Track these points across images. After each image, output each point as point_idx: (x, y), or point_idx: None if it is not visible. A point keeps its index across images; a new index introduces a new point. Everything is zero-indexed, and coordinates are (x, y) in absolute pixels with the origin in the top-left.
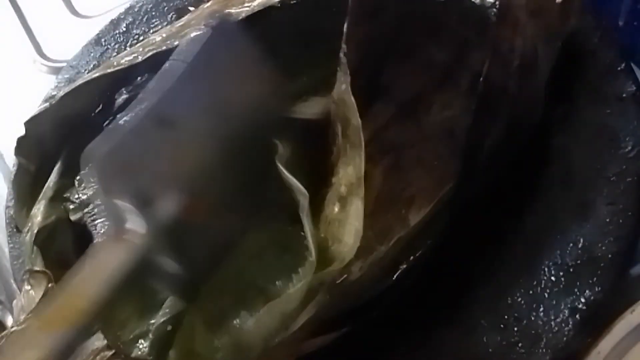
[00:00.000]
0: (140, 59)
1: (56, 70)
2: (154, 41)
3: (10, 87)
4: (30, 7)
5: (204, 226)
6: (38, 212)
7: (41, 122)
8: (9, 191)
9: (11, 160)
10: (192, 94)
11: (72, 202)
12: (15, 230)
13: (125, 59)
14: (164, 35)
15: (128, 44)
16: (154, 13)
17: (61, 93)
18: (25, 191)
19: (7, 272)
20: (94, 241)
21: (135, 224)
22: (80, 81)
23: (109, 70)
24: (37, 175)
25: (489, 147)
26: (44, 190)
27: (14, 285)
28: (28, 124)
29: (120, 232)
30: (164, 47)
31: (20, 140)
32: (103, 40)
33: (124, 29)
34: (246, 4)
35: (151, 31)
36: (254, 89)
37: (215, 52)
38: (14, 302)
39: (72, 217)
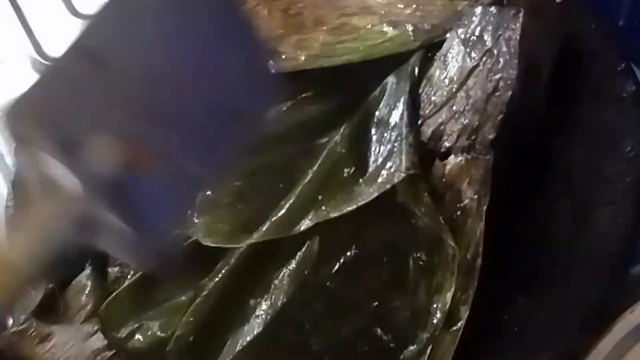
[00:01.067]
0: None
1: None
2: None
3: (10, 86)
4: (30, 7)
5: (157, 175)
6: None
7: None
8: (9, 191)
9: (11, 160)
10: (130, 27)
11: None
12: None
13: None
14: None
15: None
16: None
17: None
18: (25, 192)
19: None
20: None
21: (67, 179)
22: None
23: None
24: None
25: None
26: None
27: None
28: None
29: (49, 190)
30: None
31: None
32: None
33: None
34: None
35: None
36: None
37: None
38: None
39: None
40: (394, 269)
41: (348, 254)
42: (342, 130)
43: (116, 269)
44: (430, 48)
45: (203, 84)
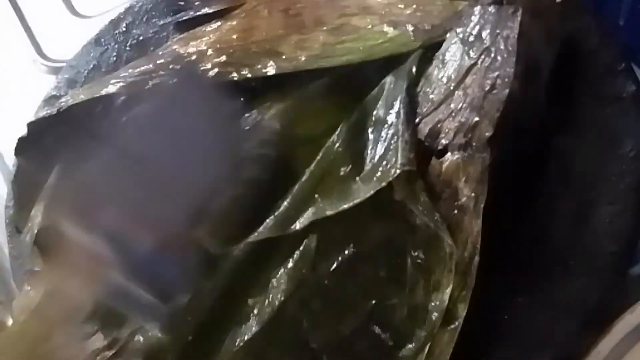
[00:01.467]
0: (149, 85)
1: (56, 70)
2: (161, 62)
3: (10, 87)
4: (30, 7)
5: (179, 257)
6: (38, 212)
7: (42, 123)
8: (9, 191)
9: (11, 160)
10: (155, 131)
11: None
12: (15, 230)
13: (132, 78)
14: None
15: (128, 44)
16: (153, 13)
17: (70, 102)
18: (25, 192)
19: (7, 272)
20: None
21: (105, 256)
22: (86, 96)
23: (113, 90)
24: (37, 176)
25: None
26: (43, 190)
27: (14, 285)
28: (31, 125)
29: (91, 262)
30: (168, 77)
31: (20, 141)
32: (103, 40)
33: (124, 29)
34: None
35: (151, 31)
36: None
37: (181, 93)
38: (14, 302)
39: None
40: (392, 267)
41: (345, 252)
42: (339, 130)
43: None
44: (429, 48)
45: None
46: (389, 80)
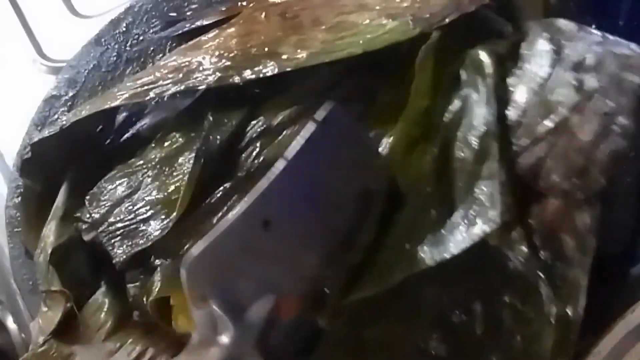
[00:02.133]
0: (150, 95)
1: (56, 70)
2: (162, 73)
3: (10, 87)
4: (30, 7)
5: (292, 323)
6: (50, 232)
7: (45, 143)
8: (8, 191)
9: (11, 160)
10: (292, 193)
11: (84, 222)
12: (24, 252)
13: (133, 90)
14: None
15: (128, 44)
16: (153, 13)
17: (72, 119)
18: (32, 212)
19: (7, 272)
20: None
21: (226, 331)
22: (89, 111)
23: (117, 103)
24: (43, 195)
25: None
26: (53, 210)
27: (14, 285)
28: (34, 145)
29: (210, 337)
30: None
31: (25, 162)
32: (103, 40)
33: (124, 29)
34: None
35: (151, 31)
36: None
37: (320, 146)
38: (32, 323)
39: (86, 238)
40: (488, 319)
41: (439, 306)
42: (425, 160)
43: (136, 285)
44: (506, 58)
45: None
46: (469, 94)
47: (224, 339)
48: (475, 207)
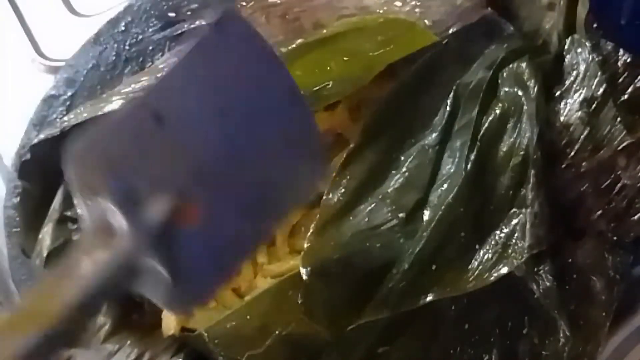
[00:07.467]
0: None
1: (55, 70)
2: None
3: (9, 86)
4: (29, 6)
5: (199, 231)
6: (46, 235)
7: (44, 145)
8: (7, 191)
9: (9, 159)
10: (184, 92)
11: (73, 221)
12: (22, 253)
13: (134, 94)
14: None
15: (127, 43)
16: (152, 12)
17: (73, 121)
18: (31, 215)
19: (6, 272)
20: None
21: (119, 225)
22: (89, 114)
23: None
24: (41, 198)
25: None
26: (49, 213)
27: (12, 286)
28: (33, 148)
29: (102, 233)
30: None
31: (24, 164)
32: (102, 39)
33: (123, 28)
34: None
35: (150, 31)
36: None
37: (213, 49)
38: None
39: (75, 238)
40: (504, 349)
41: (458, 330)
42: (460, 175)
43: None
44: (551, 75)
45: (251, 155)
46: (513, 113)
47: (118, 236)
48: (506, 236)
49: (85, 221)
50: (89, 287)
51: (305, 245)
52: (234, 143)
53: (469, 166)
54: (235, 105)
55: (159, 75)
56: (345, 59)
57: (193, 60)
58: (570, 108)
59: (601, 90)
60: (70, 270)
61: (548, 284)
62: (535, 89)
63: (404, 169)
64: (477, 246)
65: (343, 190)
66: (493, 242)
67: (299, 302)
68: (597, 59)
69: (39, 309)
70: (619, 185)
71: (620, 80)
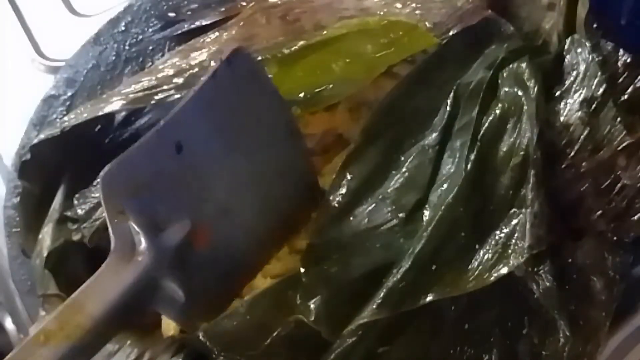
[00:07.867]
0: (152, 101)
1: (55, 70)
2: (164, 76)
3: (9, 86)
4: (29, 6)
5: (209, 254)
6: (46, 235)
7: (45, 145)
8: (7, 191)
9: (9, 159)
10: (201, 120)
11: (73, 221)
12: (23, 254)
13: (134, 95)
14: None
15: (127, 43)
16: (152, 12)
17: (73, 122)
18: (31, 215)
19: (6, 272)
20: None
21: (141, 244)
22: (89, 115)
23: (117, 108)
24: (42, 198)
25: None
26: (49, 213)
27: (12, 286)
28: (34, 147)
29: (128, 253)
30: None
31: (24, 164)
32: (102, 39)
33: (123, 28)
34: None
35: (150, 31)
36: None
37: (225, 81)
38: (31, 328)
39: (74, 238)
40: (503, 348)
41: (458, 329)
42: (460, 175)
43: None
44: (551, 75)
45: (257, 185)
46: (513, 113)
47: (141, 256)
48: (506, 236)
49: (112, 239)
50: (115, 302)
51: (305, 245)
52: (239, 170)
53: (469, 166)
54: (240, 134)
55: (178, 106)
56: (347, 60)
57: (208, 90)
58: (570, 108)
59: (601, 90)
60: (98, 287)
61: (548, 284)
62: (535, 89)
63: (404, 169)
64: (477, 246)
65: (343, 190)
66: (493, 242)
67: (299, 302)
68: (597, 59)
69: (69, 322)
70: (619, 185)
71: (620, 80)
